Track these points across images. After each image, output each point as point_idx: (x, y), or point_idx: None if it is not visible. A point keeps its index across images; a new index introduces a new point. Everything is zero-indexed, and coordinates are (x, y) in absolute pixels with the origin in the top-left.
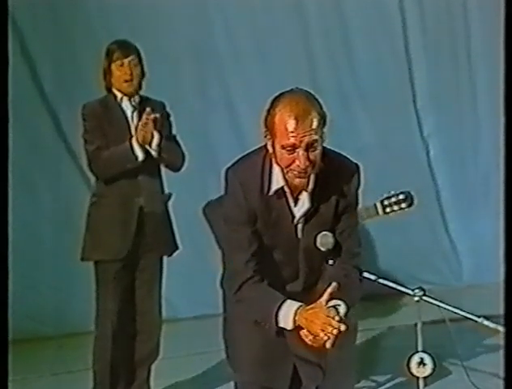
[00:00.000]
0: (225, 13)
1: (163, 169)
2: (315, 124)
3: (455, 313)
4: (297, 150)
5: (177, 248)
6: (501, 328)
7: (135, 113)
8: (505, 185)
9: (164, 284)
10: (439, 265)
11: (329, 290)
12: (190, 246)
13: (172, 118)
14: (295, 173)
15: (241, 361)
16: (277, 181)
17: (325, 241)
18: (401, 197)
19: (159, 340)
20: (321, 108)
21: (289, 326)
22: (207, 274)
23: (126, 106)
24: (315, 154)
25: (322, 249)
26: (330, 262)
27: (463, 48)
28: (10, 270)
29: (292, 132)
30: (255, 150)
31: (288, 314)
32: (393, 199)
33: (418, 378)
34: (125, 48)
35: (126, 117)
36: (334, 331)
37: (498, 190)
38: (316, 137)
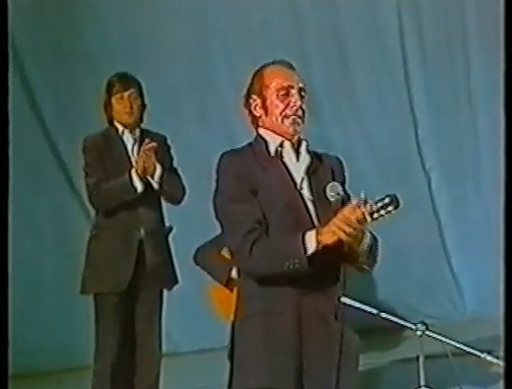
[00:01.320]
0: (226, 46)
1: (163, 202)
2: (301, 82)
3: (458, 348)
4: (291, 91)
5: (177, 281)
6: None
7: (136, 146)
8: (506, 219)
9: (164, 318)
10: (441, 299)
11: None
12: (191, 280)
13: (172, 151)
14: (292, 117)
15: (247, 365)
16: (273, 142)
17: (334, 188)
18: (386, 201)
19: (158, 375)
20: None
21: (313, 247)
22: (208, 308)
23: (127, 139)
24: (305, 103)
25: (333, 198)
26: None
27: (464, 78)
28: (10, 305)
29: (285, 75)
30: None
31: (311, 237)
32: (379, 204)
33: None
34: (125, 81)
35: (127, 150)
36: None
37: (500, 222)
38: (304, 85)
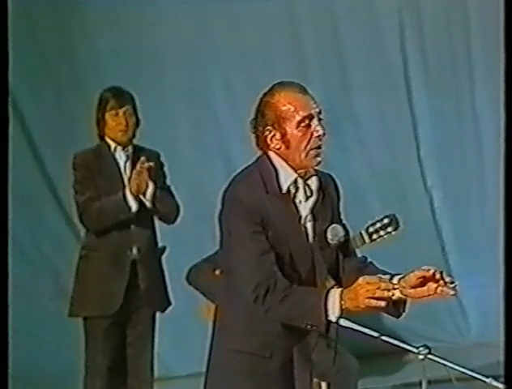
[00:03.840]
0: (221, 61)
1: (156, 221)
2: (317, 106)
3: (462, 372)
4: (313, 121)
5: (169, 303)
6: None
7: (128, 163)
8: (506, 238)
9: (155, 341)
10: (445, 322)
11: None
12: (183, 301)
13: (166, 168)
14: (315, 149)
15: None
16: (287, 177)
17: (335, 232)
18: (386, 221)
19: None
20: None
21: (336, 314)
22: (201, 330)
23: (120, 156)
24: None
25: (333, 241)
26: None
27: (467, 96)
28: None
29: (303, 104)
30: (248, 167)
31: (334, 301)
32: (378, 225)
33: None
34: (120, 97)
35: (119, 168)
36: (385, 293)
37: (502, 243)
38: (320, 108)
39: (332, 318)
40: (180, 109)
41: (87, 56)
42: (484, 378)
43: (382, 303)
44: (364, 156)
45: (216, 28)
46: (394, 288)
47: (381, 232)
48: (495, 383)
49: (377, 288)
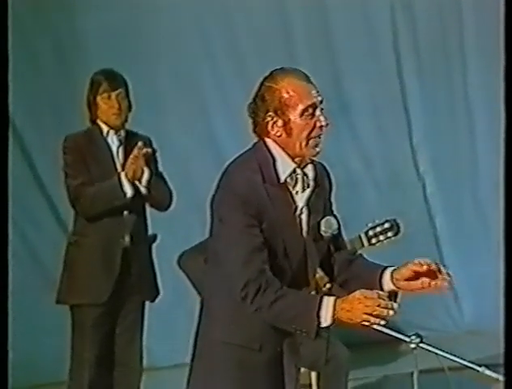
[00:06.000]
0: (212, 49)
1: (147, 209)
2: (319, 94)
3: (455, 361)
4: (316, 111)
5: (158, 293)
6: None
7: (121, 148)
8: (505, 226)
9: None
10: (437, 310)
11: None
12: (171, 291)
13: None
14: (316, 139)
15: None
16: (285, 166)
17: (328, 224)
18: (386, 226)
19: None
20: None
21: (328, 322)
22: (189, 320)
23: (112, 140)
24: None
25: (326, 234)
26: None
27: (460, 84)
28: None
29: (307, 93)
30: (245, 153)
31: (328, 310)
32: (378, 229)
33: None
34: (113, 80)
35: (111, 152)
36: (384, 312)
37: (499, 229)
38: (322, 97)
39: (324, 325)
40: (170, 97)
41: (73, 42)
42: (476, 367)
43: (382, 322)
44: (357, 144)
45: (207, 17)
46: (393, 307)
47: (381, 237)
48: (487, 372)
49: (378, 306)
